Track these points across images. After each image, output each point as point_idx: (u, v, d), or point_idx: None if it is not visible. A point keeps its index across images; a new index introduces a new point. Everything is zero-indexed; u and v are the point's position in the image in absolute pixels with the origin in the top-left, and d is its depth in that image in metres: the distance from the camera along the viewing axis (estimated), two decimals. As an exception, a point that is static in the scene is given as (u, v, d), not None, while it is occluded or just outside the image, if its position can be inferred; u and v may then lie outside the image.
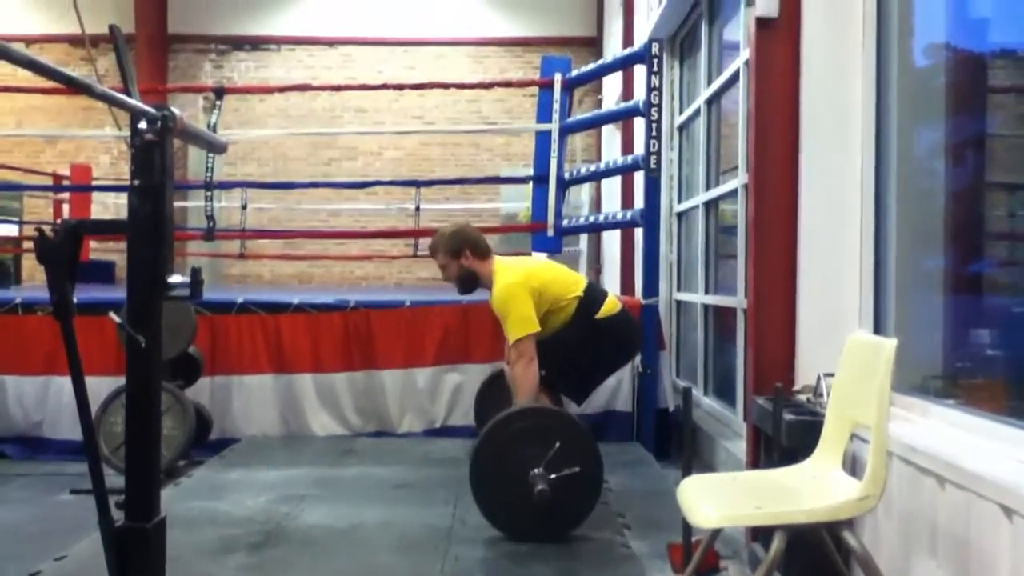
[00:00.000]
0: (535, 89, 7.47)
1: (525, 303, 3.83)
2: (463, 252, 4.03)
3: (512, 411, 3.59)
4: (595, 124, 8.85)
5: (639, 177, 6.21)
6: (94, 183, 10.95)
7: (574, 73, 6.62)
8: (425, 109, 13.13)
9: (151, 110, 1.89)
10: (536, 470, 3.36)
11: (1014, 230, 2.98)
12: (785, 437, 2.91)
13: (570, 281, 4.08)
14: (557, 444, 3.38)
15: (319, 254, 12.43)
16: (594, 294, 4.10)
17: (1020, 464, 2.08)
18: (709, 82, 5.98)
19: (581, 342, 3.99)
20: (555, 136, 6.41)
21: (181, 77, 13.23)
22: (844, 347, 2.53)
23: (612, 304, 4.09)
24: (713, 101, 5.98)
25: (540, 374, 3.81)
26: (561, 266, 4.28)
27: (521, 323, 3.80)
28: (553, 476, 3.34)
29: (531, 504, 3.32)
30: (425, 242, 11.23)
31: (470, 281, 4.10)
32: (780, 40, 3.57)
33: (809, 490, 2.36)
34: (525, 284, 3.88)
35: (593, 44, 12.86)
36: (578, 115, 7.28)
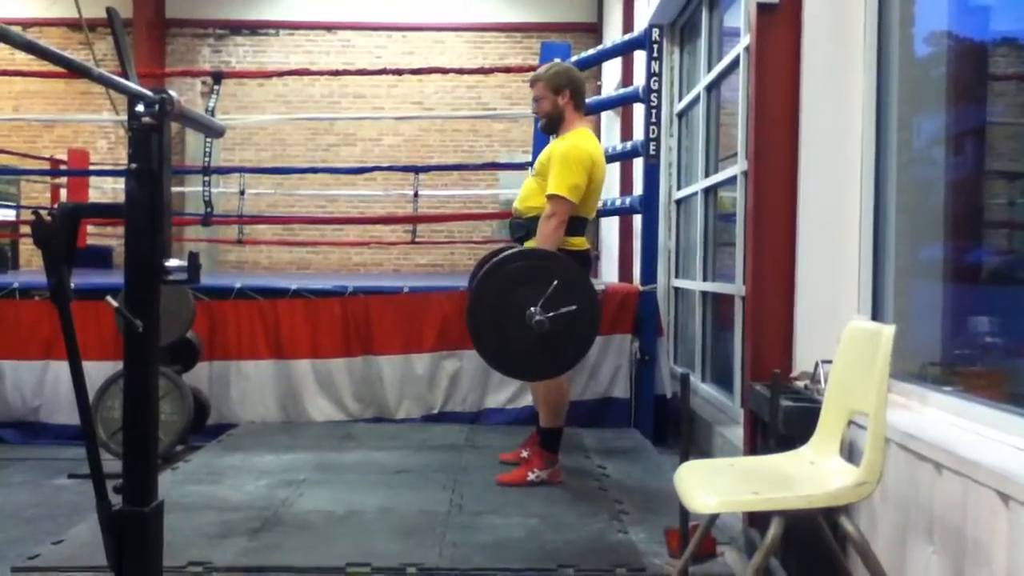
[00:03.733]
0: (534, 75, 7.43)
1: (582, 175, 3.82)
2: (563, 91, 4.02)
3: (508, 254, 3.62)
4: (594, 110, 8.80)
5: (638, 164, 6.20)
6: (92, 168, 10.91)
7: (573, 59, 6.59)
8: (424, 95, 13.09)
9: (149, 94, 1.88)
10: (533, 308, 3.39)
11: (1013, 218, 2.98)
12: (782, 424, 2.91)
13: (593, 201, 4.06)
14: (554, 283, 3.40)
15: (317, 240, 12.43)
16: (582, 225, 4.05)
17: (1017, 451, 2.08)
18: (709, 68, 5.97)
19: None
20: (554, 122, 6.38)
21: (179, 61, 13.18)
22: (842, 334, 2.53)
23: (583, 241, 4.07)
24: (713, 87, 5.96)
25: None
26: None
27: (571, 186, 3.78)
28: (551, 314, 3.36)
29: (529, 342, 3.34)
30: (423, 228, 11.19)
31: (556, 121, 4.07)
32: (781, 26, 3.55)
33: (806, 476, 2.37)
34: (592, 163, 3.86)
35: (593, 30, 12.81)
36: (577, 101, 7.24)
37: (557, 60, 4.25)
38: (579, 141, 3.91)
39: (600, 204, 7.58)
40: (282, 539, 3.29)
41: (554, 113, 4.05)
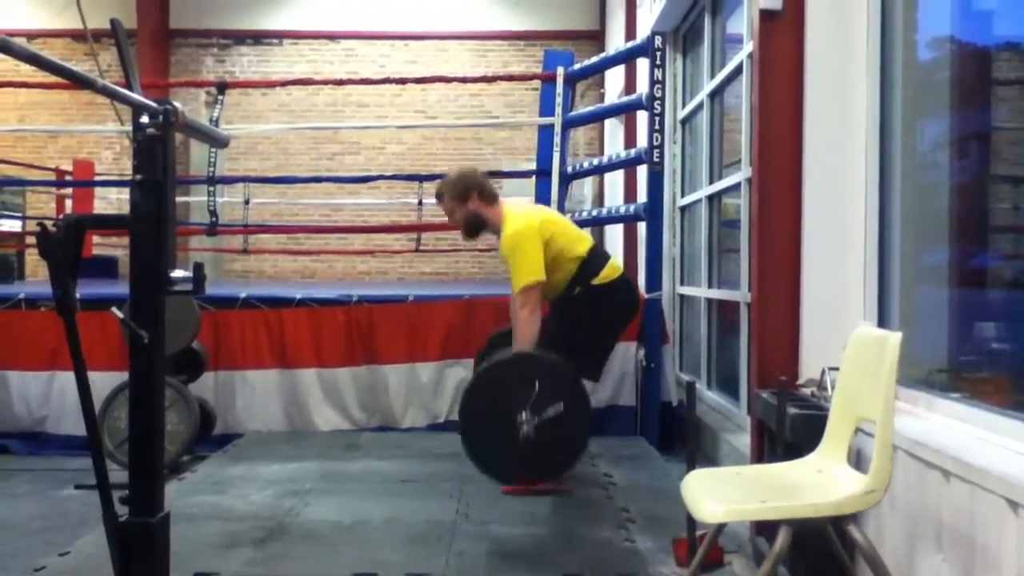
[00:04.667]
0: (538, 83, 7.45)
1: (535, 250, 3.79)
2: (470, 195, 3.99)
3: (498, 358, 3.60)
4: (598, 118, 8.82)
5: (642, 171, 6.19)
6: (96, 178, 10.93)
7: (577, 67, 6.60)
8: (427, 104, 13.11)
9: (153, 105, 1.89)
10: (523, 414, 3.38)
11: (1018, 223, 2.97)
12: (789, 431, 2.90)
13: (576, 238, 4.03)
14: (537, 385, 3.39)
15: (322, 249, 12.44)
16: (596, 257, 4.04)
17: (1026, 458, 2.07)
18: (712, 75, 5.97)
19: (580, 320, 3.94)
20: (557, 130, 6.39)
21: (183, 72, 13.21)
22: (848, 341, 2.52)
23: (612, 269, 4.05)
24: (716, 94, 5.96)
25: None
26: (569, 221, 4.21)
27: (529, 269, 3.76)
28: (538, 419, 3.36)
29: (521, 447, 3.34)
30: (428, 237, 11.23)
31: (477, 225, 4.05)
32: (784, 33, 3.55)
33: (814, 484, 2.35)
34: (537, 231, 3.83)
35: (596, 37, 12.82)
36: (581, 109, 7.26)
37: (450, 171, 4.25)
38: (512, 227, 3.89)
39: (604, 211, 7.59)
40: (288, 549, 3.29)
41: (470, 219, 4.02)
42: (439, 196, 4.09)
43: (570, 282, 3.94)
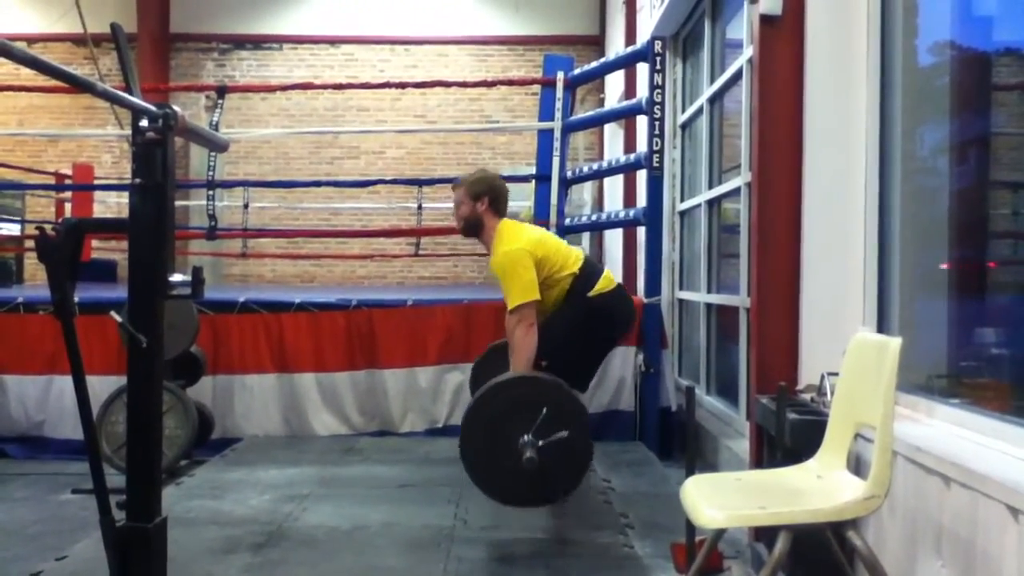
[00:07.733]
0: (537, 88, 7.45)
1: (528, 269, 3.80)
2: (482, 198, 4.00)
3: (500, 379, 3.59)
4: (597, 123, 8.83)
5: (642, 176, 6.20)
6: (96, 182, 10.93)
7: (576, 71, 6.61)
8: (427, 108, 13.12)
9: (153, 109, 1.88)
10: (525, 437, 3.37)
11: (1018, 229, 2.97)
12: (789, 437, 2.90)
13: (568, 256, 4.02)
14: (545, 410, 3.38)
15: (321, 253, 12.43)
16: (590, 271, 4.02)
17: (1026, 464, 2.07)
18: (712, 80, 5.97)
19: (575, 327, 3.92)
20: (557, 135, 6.40)
21: (183, 76, 13.22)
22: (848, 346, 2.52)
23: (607, 281, 4.03)
24: (716, 99, 5.96)
25: (540, 364, 3.79)
26: (560, 240, 4.23)
27: (523, 289, 3.76)
28: (542, 443, 3.34)
29: (522, 470, 3.32)
30: (427, 241, 11.27)
31: (474, 228, 4.06)
32: (784, 38, 3.55)
33: (813, 490, 2.35)
34: (530, 251, 3.84)
35: (596, 42, 12.84)
36: (580, 114, 7.27)
37: (482, 169, 4.25)
38: (505, 245, 3.89)
39: (604, 216, 7.58)
40: (286, 554, 3.28)
41: (471, 218, 4.03)
42: (457, 183, 4.11)
43: (566, 296, 3.94)
